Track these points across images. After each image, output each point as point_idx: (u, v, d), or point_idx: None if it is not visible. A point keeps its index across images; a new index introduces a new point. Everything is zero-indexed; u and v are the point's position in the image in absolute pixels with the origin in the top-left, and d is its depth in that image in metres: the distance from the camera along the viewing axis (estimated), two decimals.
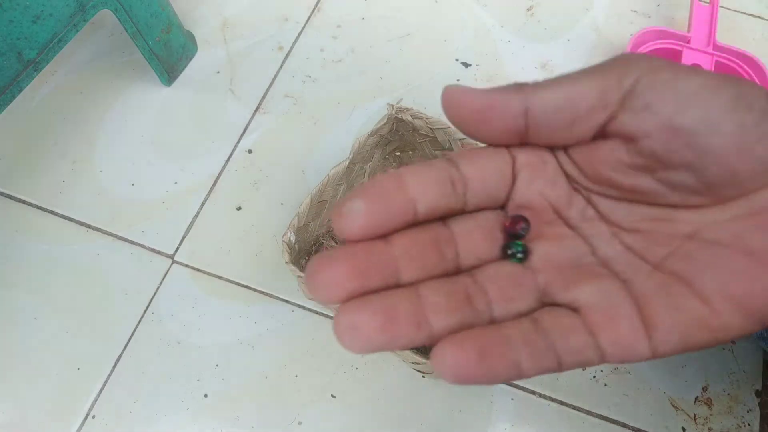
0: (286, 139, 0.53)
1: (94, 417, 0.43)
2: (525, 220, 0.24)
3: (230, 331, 0.46)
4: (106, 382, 0.44)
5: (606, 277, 0.23)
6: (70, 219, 0.49)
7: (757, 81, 0.51)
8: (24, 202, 0.50)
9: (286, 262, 0.40)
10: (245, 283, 0.47)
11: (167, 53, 0.52)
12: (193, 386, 0.44)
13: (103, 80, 0.55)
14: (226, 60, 0.56)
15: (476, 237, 0.24)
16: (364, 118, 0.53)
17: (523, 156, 0.24)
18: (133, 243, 0.49)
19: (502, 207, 0.25)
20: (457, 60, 0.56)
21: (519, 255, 0.23)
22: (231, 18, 0.59)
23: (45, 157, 0.51)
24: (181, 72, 0.55)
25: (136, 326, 0.46)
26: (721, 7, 0.56)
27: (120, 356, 0.45)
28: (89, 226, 0.49)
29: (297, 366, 0.45)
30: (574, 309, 0.22)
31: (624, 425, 0.43)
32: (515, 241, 0.24)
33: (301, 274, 0.40)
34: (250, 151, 0.52)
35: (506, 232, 0.24)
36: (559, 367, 0.21)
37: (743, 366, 0.45)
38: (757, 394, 0.44)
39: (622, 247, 0.24)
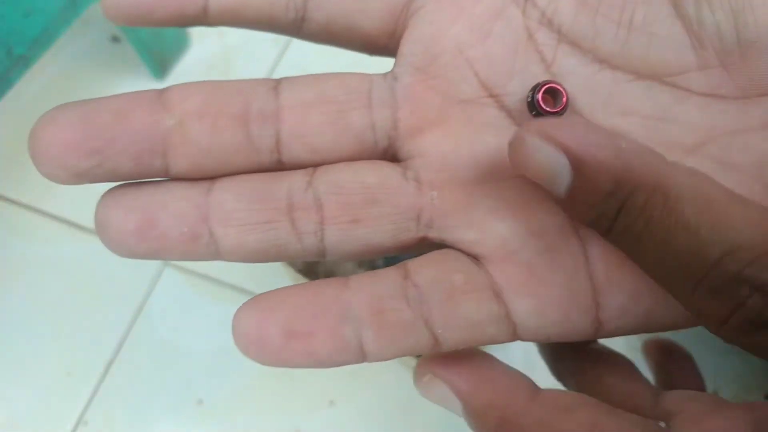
0: None
1: (86, 423, 0.44)
2: (560, 90, 0.15)
3: (225, 335, 0.46)
4: (97, 387, 0.45)
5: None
6: (60, 219, 0.50)
7: None
8: (12, 201, 0.50)
9: (283, 264, 0.40)
10: (240, 286, 0.48)
11: (160, 47, 0.53)
12: (186, 392, 0.45)
13: (94, 75, 0.55)
14: (221, 54, 0.57)
15: (315, 115, 0.16)
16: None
17: None
18: None
19: (389, 53, 0.17)
20: None
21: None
22: None
23: None
24: (174, 66, 0.56)
25: (129, 330, 0.46)
26: None
27: (112, 361, 0.45)
28: (80, 227, 0.50)
29: (294, 371, 0.45)
30: (474, 255, 0.16)
31: None
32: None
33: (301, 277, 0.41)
34: None
35: (535, 107, 0.16)
36: (436, 346, 0.15)
37: (752, 368, 0.46)
38: (766, 397, 0.45)
39: None
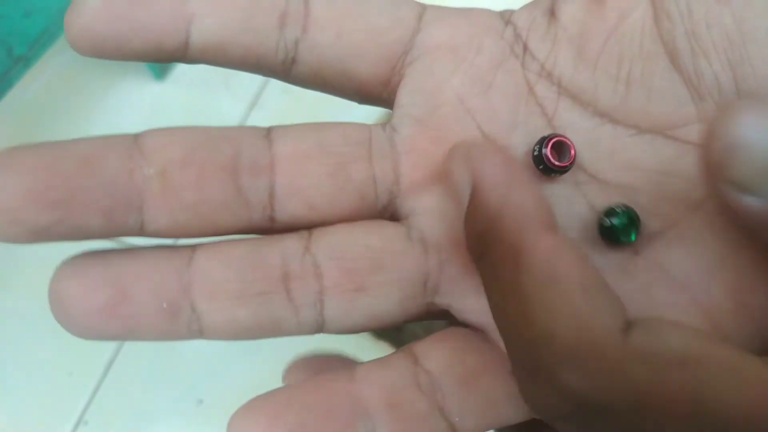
0: None
1: (86, 423, 0.44)
2: (566, 143, 0.15)
3: None
4: (98, 387, 0.45)
5: None
6: None
7: None
8: None
9: None
10: None
11: None
12: (187, 392, 0.45)
13: (93, 76, 0.56)
14: None
15: (314, 167, 0.15)
16: (367, 114, 0.54)
17: (436, 22, 0.16)
18: (126, 243, 0.50)
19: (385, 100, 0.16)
20: None
21: (626, 232, 0.15)
22: None
23: None
24: (173, 66, 0.56)
25: None
26: None
27: (113, 361, 0.46)
28: None
29: None
30: (481, 326, 0.15)
31: None
32: (621, 206, 0.15)
33: None
34: None
35: (545, 163, 0.15)
36: None
37: None
38: None
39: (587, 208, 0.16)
